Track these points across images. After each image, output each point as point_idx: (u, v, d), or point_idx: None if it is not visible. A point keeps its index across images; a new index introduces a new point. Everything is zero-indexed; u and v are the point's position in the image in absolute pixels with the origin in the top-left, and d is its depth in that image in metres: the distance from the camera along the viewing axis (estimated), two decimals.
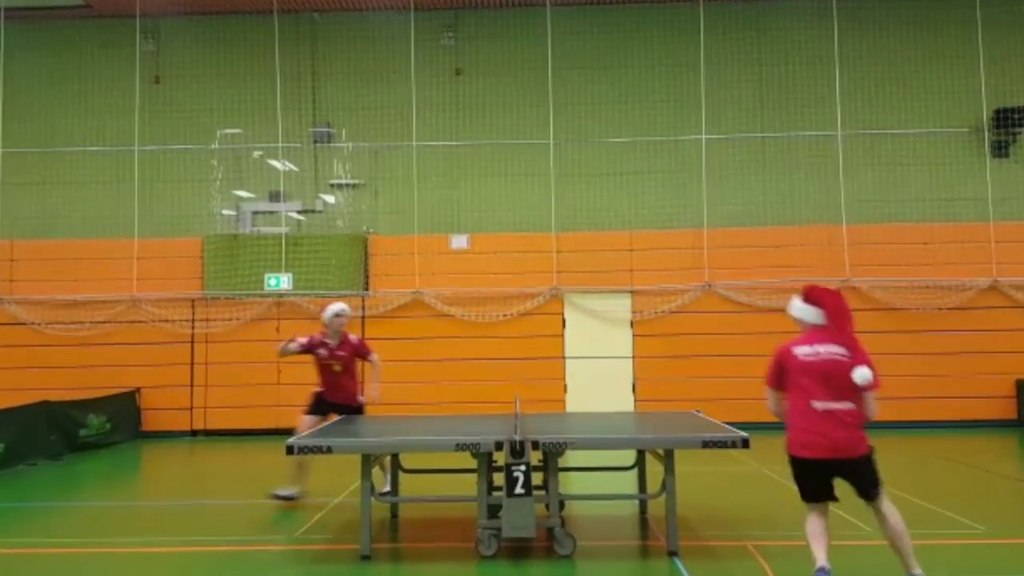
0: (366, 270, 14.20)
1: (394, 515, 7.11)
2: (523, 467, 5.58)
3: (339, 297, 13.92)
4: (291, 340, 7.89)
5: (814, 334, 4.83)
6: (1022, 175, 14.03)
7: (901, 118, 14.04)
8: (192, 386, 13.93)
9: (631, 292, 14.05)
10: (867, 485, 4.69)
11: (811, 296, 4.91)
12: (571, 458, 7.88)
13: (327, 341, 7.83)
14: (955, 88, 14.01)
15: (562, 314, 14.09)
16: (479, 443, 5.73)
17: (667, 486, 5.72)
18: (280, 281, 14.00)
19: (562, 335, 14.05)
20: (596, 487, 7.79)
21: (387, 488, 7.86)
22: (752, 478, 8.97)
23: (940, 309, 13.55)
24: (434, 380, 13.70)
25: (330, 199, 14.59)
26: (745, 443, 5.61)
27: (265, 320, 13.86)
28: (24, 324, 13.96)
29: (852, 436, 4.65)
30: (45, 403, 11.32)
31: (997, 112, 13.92)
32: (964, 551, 5.87)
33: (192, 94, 14.59)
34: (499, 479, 6.02)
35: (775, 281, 13.63)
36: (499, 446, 5.66)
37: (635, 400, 13.85)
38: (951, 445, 11.53)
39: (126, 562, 5.99)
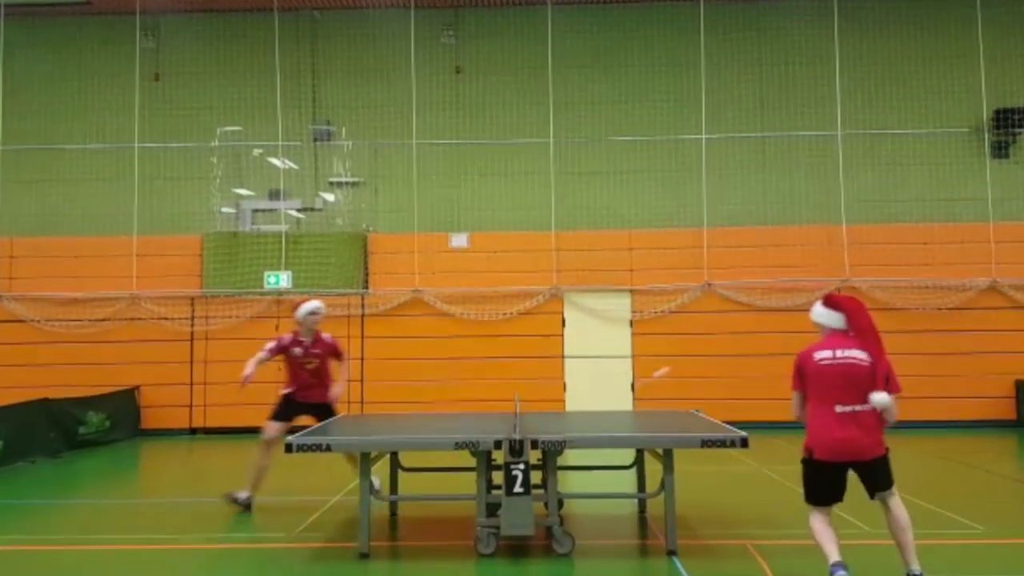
0: (366, 268, 14.19)
1: (393, 513, 7.11)
2: (522, 466, 5.59)
3: (339, 295, 13.98)
4: (260, 352, 7.58)
5: (833, 338, 4.88)
6: (1022, 175, 14.03)
7: (901, 118, 14.04)
8: (192, 384, 13.93)
9: (631, 291, 14.05)
10: (880, 484, 4.76)
11: (831, 301, 5.00)
12: (570, 457, 7.89)
13: (301, 339, 7.64)
14: (955, 88, 14.01)
15: (562, 313, 14.09)
16: (478, 442, 5.73)
17: (666, 485, 5.72)
18: (280, 279, 14.00)
19: (561, 334, 14.05)
20: (595, 486, 7.79)
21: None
22: (751, 478, 8.97)
23: (940, 309, 13.56)
24: (433, 379, 13.70)
25: (330, 197, 14.59)
26: (744, 443, 5.61)
27: (265, 318, 13.86)
28: (24, 321, 13.96)
29: (872, 439, 4.71)
30: (44, 400, 11.31)
31: (997, 112, 13.92)
32: (963, 551, 5.87)
33: (192, 91, 14.59)
34: (498, 478, 6.02)
35: (775, 281, 13.64)
36: (498, 445, 5.67)
37: (634, 399, 13.85)
38: (950, 445, 11.54)
39: (125, 560, 5.99)
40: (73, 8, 14.51)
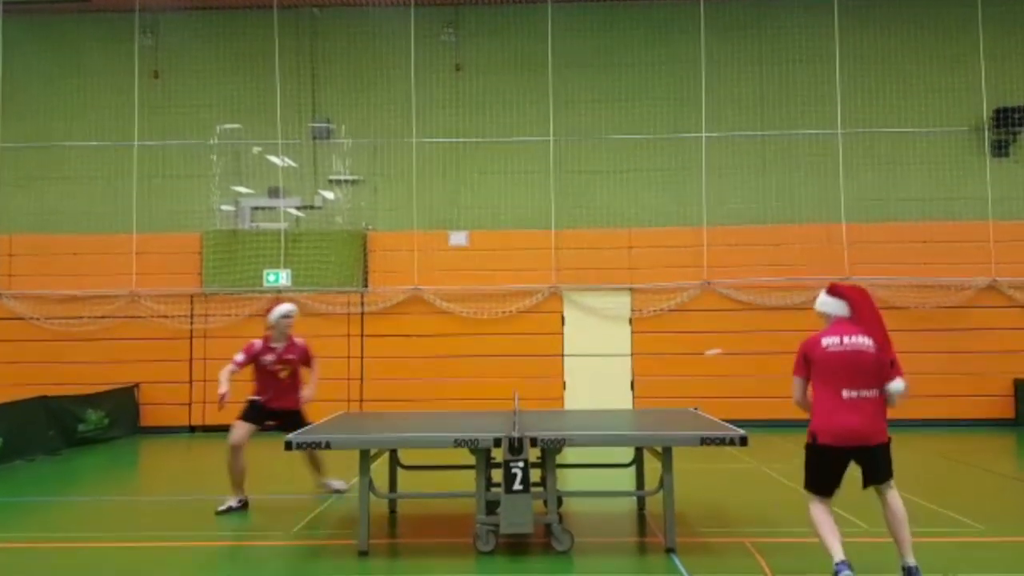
0: (365, 266, 14.19)
1: (392, 511, 7.11)
2: (521, 463, 5.59)
3: (338, 293, 13.98)
4: (230, 364, 7.46)
5: (839, 325, 4.94)
6: (1022, 174, 14.04)
7: (901, 117, 14.04)
8: (191, 382, 13.92)
9: (630, 290, 14.05)
10: (881, 473, 4.80)
11: (835, 290, 5.08)
12: (569, 455, 7.88)
13: (273, 346, 7.49)
14: (955, 87, 14.01)
15: (561, 311, 14.09)
16: (477, 439, 5.73)
17: (665, 483, 5.73)
18: (279, 277, 13.99)
19: (561, 332, 14.05)
20: (594, 484, 7.80)
21: (329, 481, 7.77)
22: (750, 475, 8.97)
23: (939, 308, 13.57)
24: (433, 377, 13.70)
25: (329, 195, 14.58)
26: (743, 441, 5.62)
27: (264, 316, 13.78)
28: (23, 319, 13.95)
29: (877, 425, 4.79)
30: (43, 398, 11.31)
31: (997, 111, 13.92)
32: (962, 549, 5.87)
33: (191, 89, 14.58)
34: (497, 475, 6.02)
35: (774, 279, 13.64)
36: (497, 442, 5.67)
37: (633, 397, 13.85)
38: (949, 443, 11.55)
39: (124, 557, 5.99)
40: (72, 5, 14.50)
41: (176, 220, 14.28)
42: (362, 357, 14.01)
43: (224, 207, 14.47)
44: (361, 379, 13.97)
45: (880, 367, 4.76)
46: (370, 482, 5.87)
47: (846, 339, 4.83)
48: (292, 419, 7.49)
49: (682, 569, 5.30)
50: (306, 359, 7.70)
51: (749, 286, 13.81)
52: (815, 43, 14.18)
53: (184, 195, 14.34)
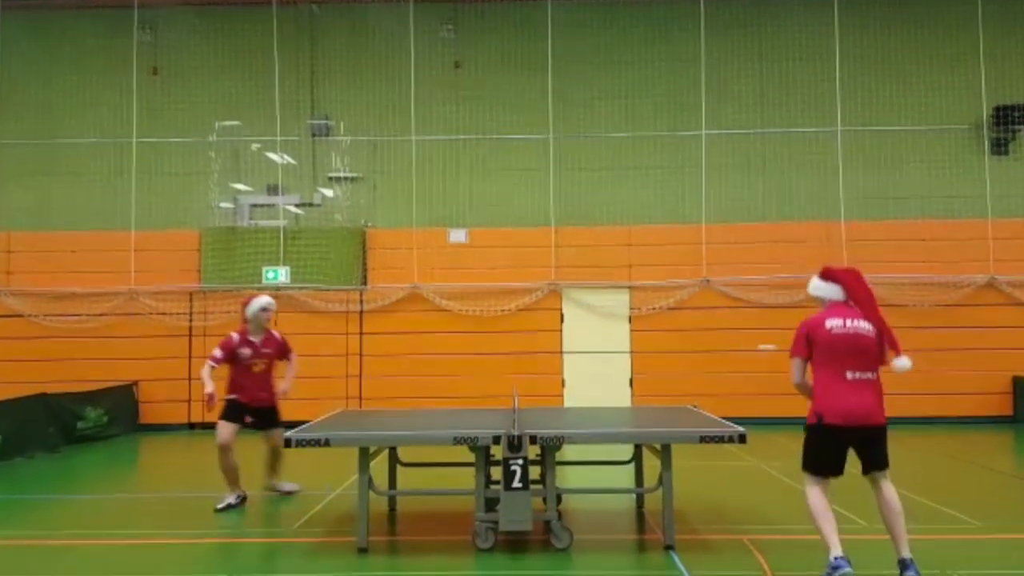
0: (364, 264, 14.18)
1: (392, 508, 7.12)
2: (520, 461, 5.59)
3: (337, 291, 13.97)
4: (208, 362, 7.43)
5: (839, 308, 5.00)
6: (1021, 173, 14.04)
7: (901, 115, 14.03)
8: (190, 379, 13.90)
9: (629, 287, 14.05)
10: (881, 458, 4.85)
11: (829, 274, 5.13)
12: (568, 452, 7.89)
13: (251, 339, 7.46)
14: (955, 85, 14.00)
15: (560, 309, 14.09)
16: (477, 437, 5.74)
17: (664, 480, 5.74)
18: (278, 274, 13.98)
19: (560, 330, 14.05)
20: (593, 481, 7.81)
21: (282, 484, 7.72)
22: (749, 473, 8.99)
23: (938, 306, 13.58)
24: (432, 374, 13.69)
25: (328, 192, 14.57)
26: (742, 438, 5.63)
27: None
28: (21, 316, 13.94)
29: (879, 406, 4.87)
30: (42, 395, 11.30)
31: (997, 109, 13.92)
32: (961, 546, 5.88)
33: (190, 86, 14.54)
34: (497, 473, 6.03)
35: (773, 277, 13.64)
36: (497, 440, 5.68)
37: (632, 395, 13.86)
38: (947, 441, 11.57)
39: (124, 554, 6.00)
40: (71, 1, 14.46)
41: (175, 217, 14.26)
42: (361, 355, 14.01)
43: (223, 204, 14.46)
44: (360, 376, 13.97)
45: (879, 350, 4.88)
46: (369, 479, 5.88)
47: (848, 322, 4.90)
48: (267, 416, 7.50)
49: (681, 566, 5.30)
50: (283, 352, 7.67)
51: (748, 284, 13.81)
52: (815, 41, 14.16)
53: (183, 192, 14.31)
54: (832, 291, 5.06)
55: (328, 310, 13.99)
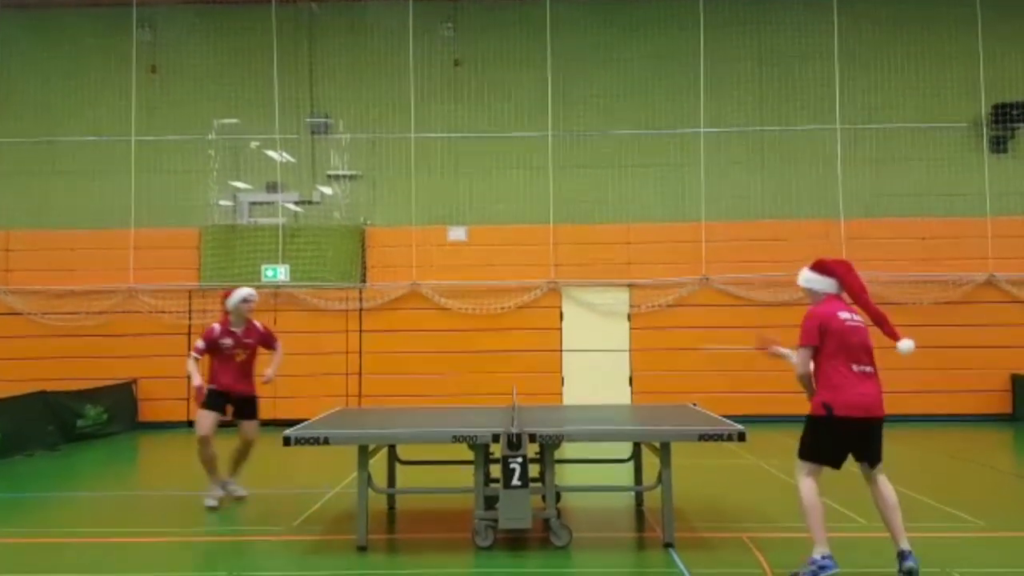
0: (363, 262, 14.18)
1: (391, 506, 7.12)
2: (520, 459, 5.59)
3: (337, 289, 13.97)
4: (192, 353, 7.44)
5: (838, 302, 5.03)
6: (1020, 170, 14.04)
7: (899, 113, 14.04)
8: (189, 377, 13.88)
9: (628, 285, 14.05)
10: (878, 450, 4.89)
11: (823, 266, 5.12)
12: (567, 450, 7.89)
13: (233, 330, 7.44)
14: (954, 83, 14.00)
15: (559, 307, 14.09)
16: (476, 435, 5.74)
17: (663, 478, 5.74)
18: (277, 272, 13.98)
19: (559, 328, 14.06)
20: (592, 479, 7.81)
21: (236, 487, 7.61)
22: (748, 471, 9.00)
23: (937, 304, 13.58)
24: (431, 372, 13.70)
25: (327, 190, 14.56)
26: (741, 436, 5.63)
27: (262, 311, 13.72)
28: (20, 314, 13.94)
29: (882, 397, 4.92)
30: (42, 393, 11.30)
31: (996, 107, 13.92)
32: (961, 545, 5.88)
33: (189, 84, 14.53)
34: (496, 471, 6.03)
35: (772, 275, 13.63)
36: (496, 438, 5.67)
37: (631, 393, 13.86)
38: (946, 439, 11.58)
39: (123, 552, 5.99)
40: None
41: (174, 215, 14.25)
42: (360, 352, 14.01)
43: (222, 202, 14.45)
44: (359, 374, 13.98)
45: (871, 344, 4.94)
46: (369, 477, 5.88)
47: (854, 316, 4.96)
48: (245, 406, 7.50)
49: (680, 564, 5.31)
50: (267, 341, 7.65)
51: (747, 281, 13.82)
52: (814, 39, 14.16)
53: (182, 190, 14.30)
54: (827, 284, 5.08)
55: (327, 308, 13.99)
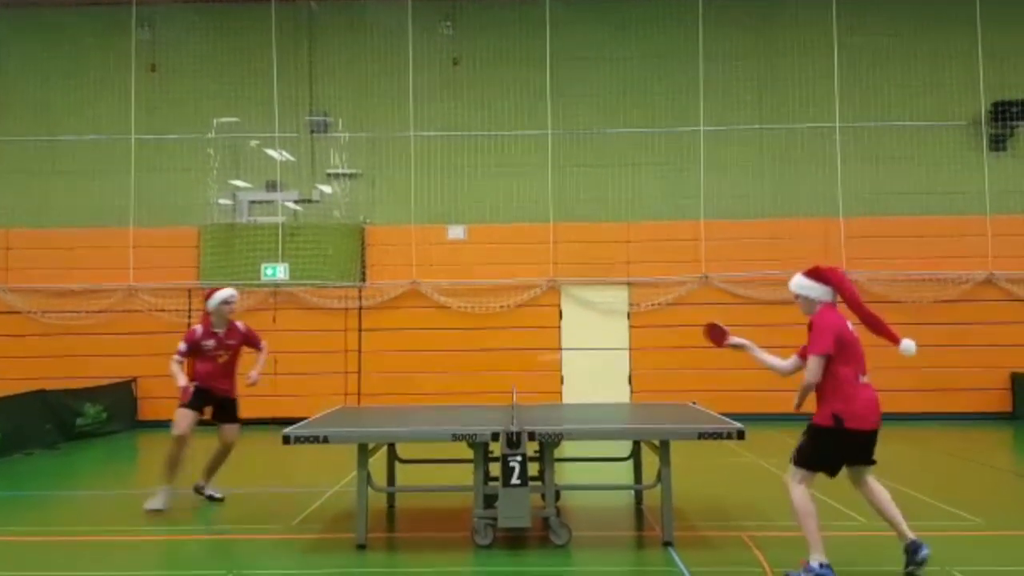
0: (363, 260, 14.18)
1: (391, 505, 7.12)
2: (519, 457, 5.59)
3: (336, 288, 13.96)
4: (175, 356, 7.41)
5: (836, 310, 5.00)
6: (1019, 169, 14.03)
7: (899, 111, 14.03)
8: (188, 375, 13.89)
9: (628, 284, 14.05)
10: (872, 454, 4.88)
11: (818, 274, 5.08)
12: (567, 449, 7.90)
13: (215, 331, 7.41)
14: (953, 81, 14.00)
15: (559, 305, 14.09)
16: (476, 433, 5.74)
17: (662, 477, 5.74)
18: (277, 271, 13.98)
19: (559, 326, 14.05)
20: (592, 478, 7.81)
21: (212, 489, 7.53)
22: (747, 470, 9.00)
23: (936, 302, 13.58)
24: (430, 371, 13.69)
25: (327, 189, 14.56)
26: (741, 435, 5.64)
27: (261, 310, 13.82)
28: (20, 313, 13.94)
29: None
30: (41, 392, 11.30)
31: (995, 105, 13.91)
32: (960, 543, 5.88)
33: (188, 83, 14.51)
34: (495, 469, 6.03)
35: (772, 273, 13.63)
36: (495, 436, 5.67)
37: (631, 391, 13.86)
38: (946, 437, 11.58)
39: (123, 551, 6.00)
40: None
41: (173, 214, 14.24)
42: (360, 351, 14.00)
43: (222, 201, 14.45)
44: (359, 373, 13.97)
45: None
46: (368, 476, 5.88)
47: (850, 324, 4.94)
48: (226, 408, 7.46)
49: (679, 563, 5.31)
50: (250, 341, 7.58)
51: (747, 280, 13.81)
52: (813, 37, 14.15)
53: (181, 189, 14.30)
54: (823, 292, 5.03)
55: (327, 306, 13.98)
